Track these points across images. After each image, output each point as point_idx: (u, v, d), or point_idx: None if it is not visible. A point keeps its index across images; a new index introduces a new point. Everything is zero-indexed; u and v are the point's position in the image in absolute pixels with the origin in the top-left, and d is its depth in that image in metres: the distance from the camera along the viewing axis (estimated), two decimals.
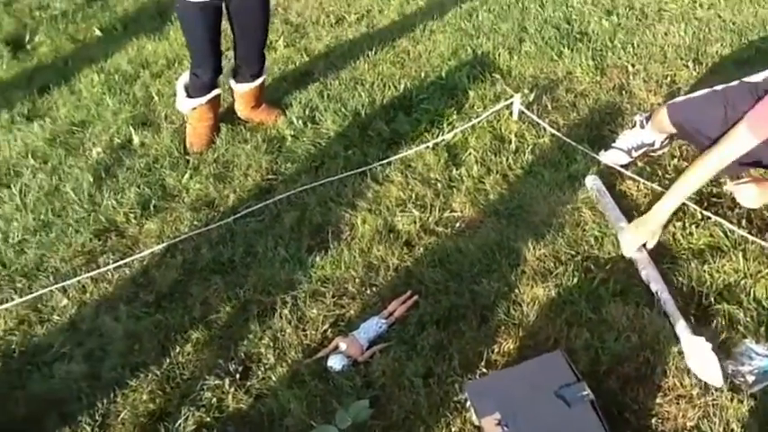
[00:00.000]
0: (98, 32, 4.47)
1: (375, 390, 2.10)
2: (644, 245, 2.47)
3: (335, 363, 2.14)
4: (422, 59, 3.76)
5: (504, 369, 2.12)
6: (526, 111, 3.15)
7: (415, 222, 2.68)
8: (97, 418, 2.10)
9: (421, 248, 2.58)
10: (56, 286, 2.53)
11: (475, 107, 3.33)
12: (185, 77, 3.22)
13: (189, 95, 3.17)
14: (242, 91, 3.28)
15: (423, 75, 3.61)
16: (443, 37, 3.95)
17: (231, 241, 2.68)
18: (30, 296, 2.50)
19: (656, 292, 2.31)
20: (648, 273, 2.37)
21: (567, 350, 2.13)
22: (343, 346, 2.18)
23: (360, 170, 2.96)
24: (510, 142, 3.06)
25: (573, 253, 2.52)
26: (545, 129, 3.11)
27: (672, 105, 2.67)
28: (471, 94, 3.42)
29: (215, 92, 3.16)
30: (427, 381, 2.10)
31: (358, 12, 4.39)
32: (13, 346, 2.36)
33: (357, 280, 2.47)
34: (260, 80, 3.26)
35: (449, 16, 4.17)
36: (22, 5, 4.83)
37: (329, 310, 2.36)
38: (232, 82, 3.30)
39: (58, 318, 2.44)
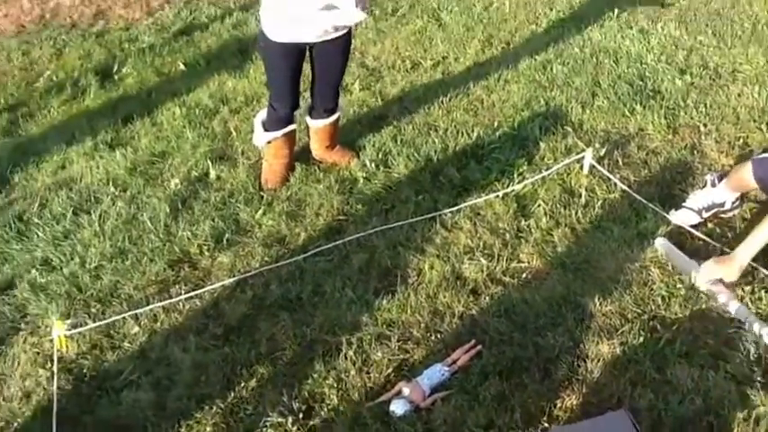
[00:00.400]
0: (182, 67, 4.68)
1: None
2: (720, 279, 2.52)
3: (398, 407, 2.16)
4: (495, 108, 3.82)
5: (566, 425, 2.10)
6: (597, 165, 3.15)
7: (482, 271, 2.70)
8: None
9: (487, 297, 2.59)
10: (128, 314, 2.63)
11: (545, 159, 3.35)
12: (263, 113, 3.34)
13: (265, 129, 3.29)
14: (317, 127, 3.38)
15: (495, 124, 3.66)
16: (517, 87, 4.00)
17: (300, 279, 2.75)
18: (103, 322, 2.60)
19: (738, 315, 2.41)
20: (725, 296, 2.46)
21: (631, 409, 2.11)
22: (405, 391, 2.20)
23: (430, 216, 3.01)
24: (580, 196, 3.07)
25: (639, 311, 2.50)
26: (615, 184, 3.11)
27: (756, 161, 2.71)
28: (542, 145, 3.45)
29: (290, 127, 3.26)
30: None
31: (434, 58, 4.48)
32: (84, 370, 2.45)
33: (422, 325, 2.49)
34: (334, 117, 3.36)
35: (523, 67, 4.22)
36: (112, 37, 5.10)
37: (393, 354, 2.38)
38: (308, 118, 3.40)
39: (128, 345, 2.54)
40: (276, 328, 2.54)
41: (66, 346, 2.49)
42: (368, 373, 2.34)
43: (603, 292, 2.57)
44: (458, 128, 3.63)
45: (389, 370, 2.34)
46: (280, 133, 3.27)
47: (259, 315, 2.60)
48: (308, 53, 3.08)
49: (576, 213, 2.97)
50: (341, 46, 3.06)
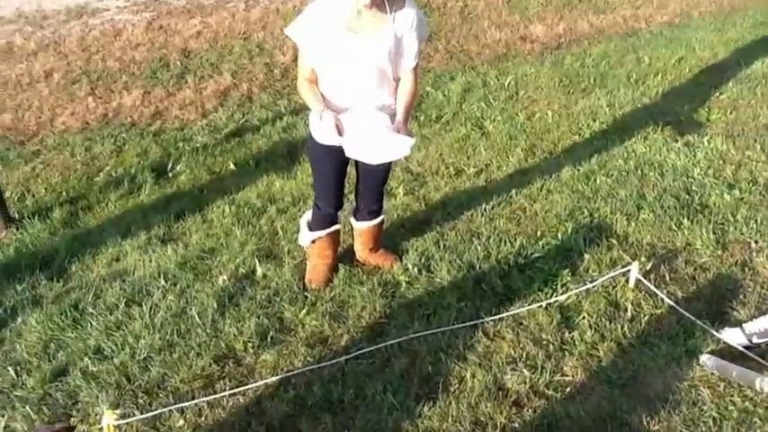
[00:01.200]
0: (233, 166, 4.90)
1: None
2: None
3: None
4: (538, 218, 3.90)
5: None
6: (643, 279, 3.19)
7: (525, 382, 2.71)
8: None
9: (530, 410, 2.59)
10: (174, 407, 2.69)
11: (590, 271, 3.40)
12: (309, 214, 3.47)
13: (310, 229, 3.41)
14: (361, 229, 3.49)
15: (538, 233, 3.74)
16: (560, 197, 4.10)
17: (342, 381, 2.79)
18: (150, 414, 2.66)
19: None
20: None
21: None
22: None
23: (471, 323, 3.05)
24: (625, 310, 3.09)
25: None
26: (662, 300, 3.13)
27: None
28: (587, 257, 3.50)
29: (335, 227, 3.38)
30: None
31: (477, 165, 4.63)
32: None
33: None
34: (378, 219, 3.47)
35: (566, 177, 4.33)
36: (168, 136, 5.38)
37: None
38: (352, 220, 3.53)
39: None
40: (317, 430, 2.56)
41: None
42: None
43: (651, 411, 2.56)
44: (500, 236, 3.71)
45: None
46: (324, 233, 3.39)
47: (301, 416, 2.63)
48: None
49: (622, 328, 2.98)
50: None
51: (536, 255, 3.54)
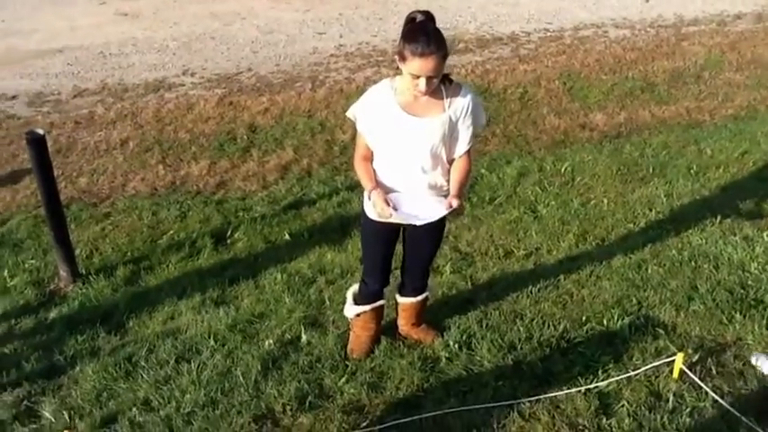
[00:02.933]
0: (288, 237, 5.13)
1: None
2: None
3: None
4: (585, 303, 3.96)
5: None
6: (688, 371, 3.19)
7: None
8: None
9: None
10: None
11: (633, 359, 3.42)
12: (355, 287, 3.63)
13: (356, 303, 3.56)
14: (405, 304, 3.62)
15: (583, 318, 3.79)
16: (609, 284, 4.15)
17: None
18: None
19: None
20: None
21: None
22: None
23: (508, 403, 3.11)
24: (667, 401, 3.10)
25: None
26: (707, 393, 3.12)
27: None
28: (631, 344, 3.53)
29: (379, 302, 3.52)
30: None
31: (527, 248, 4.73)
32: None
33: None
34: (422, 296, 3.60)
35: (617, 264, 4.38)
36: (230, 205, 5.67)
37: None
38: (397, 296, 3.66)
39: None
40: None
41: None
42: None
43: None
44: (544, 319, 3.78)
45: None
46: (368, 308, 3.53)
47: None
48: (402, 234, 3.40)
49: (662, 418, 2.99)
50: (432, 232, 3.35)
51: (579, 339, 3.59)
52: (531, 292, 4.09)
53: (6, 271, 4.78)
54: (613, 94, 7.96)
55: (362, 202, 3.32)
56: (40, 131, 4.28)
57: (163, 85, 8.21)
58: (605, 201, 5.40)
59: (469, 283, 4.28)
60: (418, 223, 3.02)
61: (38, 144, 4.19)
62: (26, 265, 4.82)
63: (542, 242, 4.81)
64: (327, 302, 4.10)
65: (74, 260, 4.62)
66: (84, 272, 4.66)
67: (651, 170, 5.96)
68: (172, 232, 5.22)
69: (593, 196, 5.50)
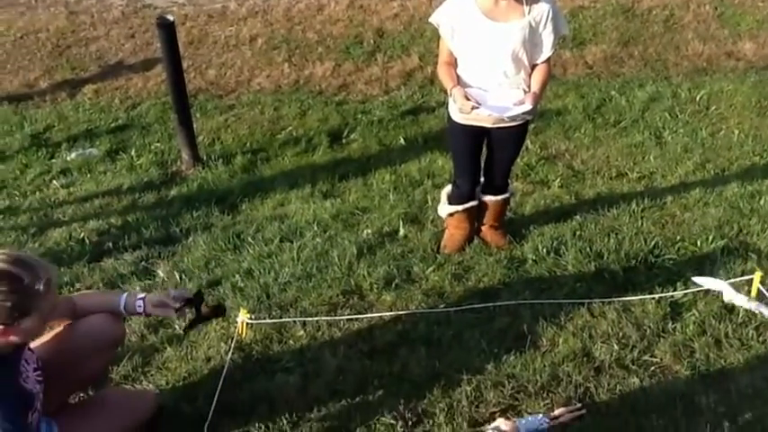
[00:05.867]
0: (402, 141, 5.74)
1: None
2: None
3: None
4: (684, 225, 4.32)
5: None
6: (764, 290, 3.55)
7: (611, 354, 3.24)
8: (293, 418, 2.99)
9: (607, 376, 3.13)
10: (299, 319, 3.54)
11: (717, 277, 3.79)
12: (449, 188, 4.19)
13: (449, 203, 4.12)
14: (487, 203, 4.11)
15: (677, 237, 4.16)
16: (715, 211, 4.47)
17: (446, 325, 3.49)
18: (278, 320, 3.54)
19: None
20: None
21: None
22: (503, 426, 2.82)
23: (579, 301, 3.61)
24: (738, 314, 3.48)
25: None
26: None
27: None
28: (719, 265, 3.89)
29: (472, 203, 4.06)
30: None
31: (642, 172, 5.09)
32: (253, 353, 3.37)
33: (539, 384, 3.10)
34: (503, 196, 4.10)
35: (729, 194, 4.68)
36: (349, 107, 6.36)
37: (504, 399, 3.01)
38: (480, 194, 4.13)
39: (292, 343, 3.43)
40: (412, 357, 3.28)
41: (245, 332, 3.44)
42: (477, 408, 2.99)
43: (723, 399, 2.99)
44: (641, 235, 4.18)
45: (496, 410, 2.96)
46: (461, 208, 4.09)
47: (402, 345, 3.37)
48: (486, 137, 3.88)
49: (726, 328, 3.39)
50: (515, 135, 3.82)
51: (668, 256, 3.99)
52: (633, 212, 4.48)
53: (134, 150, 5.75)
54: None
55: (447, 105, 3.84)
56: (170, 17, 5.06)
57: None
58: (736, 132, 5.61)
59: (574, 198, 4.73)
60: (499, 115, 3.51)
61: (167, 29, 4.98)
62: (152, 147, 5.77)
63: (659, 167, 5.15)
64: (430, 203, 4.68)
65: (196, 145, 5.48)
66: (204, 158, 5.51)
67: None
68: (291, 128, 5.98)
69: (724, 127, 5.72)
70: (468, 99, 3.52)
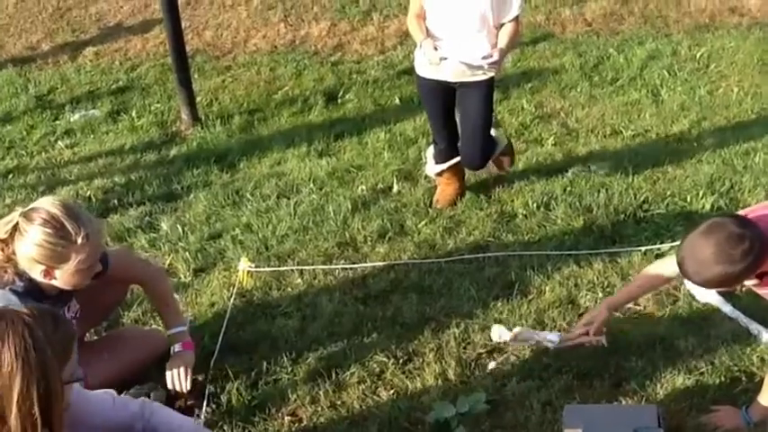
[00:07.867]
0: (398, 101, 6.00)
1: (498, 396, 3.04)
2: None
3: (495, 333, 3.15)
4: (675, 181, 4.58)
5: (599, 404, 2.95)
6: None
7: (595, 301, 3.52)
8: (293, 356, 3.29)
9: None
10: (296, 268, 3.85)
11: None
12: (432, 148, 4.46)
13: (436, 162, 4.40)
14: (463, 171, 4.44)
15: (668, 193, 4.43)
16: (708, 168, 4.72)
17: (437, 274, 3.79)
18: (277, 269, 3.84)
19: None
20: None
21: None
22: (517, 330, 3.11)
23: (567, 253, 3.89)
24: None
25: (732, 365, 3.15)
26: None
27: None
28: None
29: (455, 159, 4.34)
30: (545, 407, 2.95)
31: (636, 130, 5.35)
32: (254, 299, 3.70)
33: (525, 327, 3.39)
34: (485, 175, 4.41)
35: (723, 151, 4.93)
36: (345, 68, 6.61)
37: (490, 342, 3.30)
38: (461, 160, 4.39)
39: (290, 290, 3.75)
40: (404, 303, 3.58)
41: (246, 280, 3.75)
42: (464, 349, 3.29)
43: (702, 342, 3.27)
44: (630, 191, 4.45)
45: (483, 351, 3.26)
46: (445, 166, 4.37)
47: (394, 292, 3.67)
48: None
49: None
50: (480, 92, 4.06)
51: (657, 211, 4.26)
52: (626, 169, 4.73)
53: (134, 111, 6.03)
54: None
55: (414, 60, 4.10)
56: None
57: None
58: (735, 90, 5.85)
59: (565, 156, 5.00)
60: (469, 63, 3.79)
61: None
62: (152, 108, 6.05)
63: (654, 125, 5.40)
64: (424, 160, 4.94)
65: (195, 105, 5.75)
66: (203, 117, 5.78)
67: None
68: (287, 88, 6.24)
69: (723, 85, 5.96)
70: (437, 49, 3.78)
